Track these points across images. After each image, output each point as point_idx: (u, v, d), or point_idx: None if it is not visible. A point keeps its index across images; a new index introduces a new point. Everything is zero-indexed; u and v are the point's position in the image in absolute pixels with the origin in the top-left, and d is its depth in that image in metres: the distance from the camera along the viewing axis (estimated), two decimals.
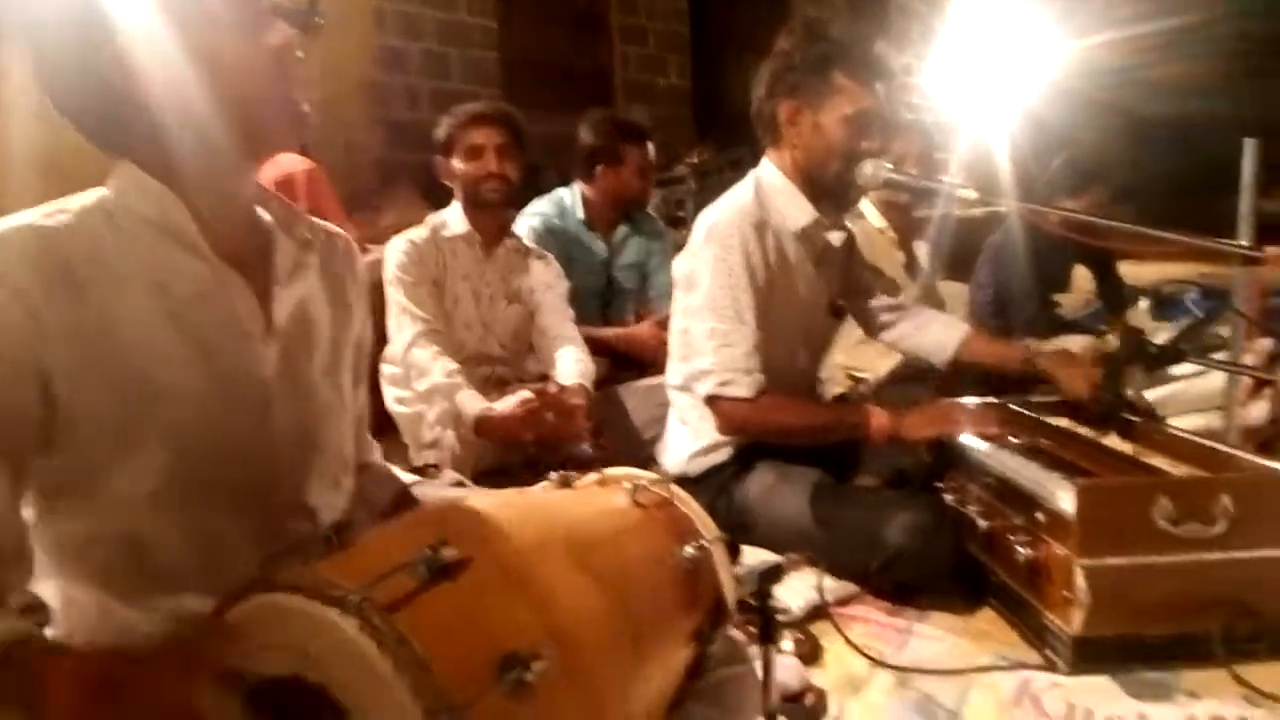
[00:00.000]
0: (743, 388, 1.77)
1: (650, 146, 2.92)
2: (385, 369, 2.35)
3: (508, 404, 2.05)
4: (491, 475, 2.10)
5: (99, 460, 0.83)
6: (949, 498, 1.77)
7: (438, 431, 2.17)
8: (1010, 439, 1.77)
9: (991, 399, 2.04)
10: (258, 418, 0.92)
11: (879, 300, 2.16)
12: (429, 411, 2.17)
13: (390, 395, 2.34)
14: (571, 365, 2.31)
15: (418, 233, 2.33)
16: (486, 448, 2.14)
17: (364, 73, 3.97)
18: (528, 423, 2.01)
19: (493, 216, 2.38)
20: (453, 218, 2.37)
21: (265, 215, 0.98)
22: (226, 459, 0.89)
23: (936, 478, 1.84)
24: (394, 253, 2.29)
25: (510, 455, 2.15)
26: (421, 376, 2.16)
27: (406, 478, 1.22)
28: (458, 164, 2.32)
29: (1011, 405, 2.01)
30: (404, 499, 1.16)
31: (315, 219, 1.07)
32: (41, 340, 0.79)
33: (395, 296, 2.25)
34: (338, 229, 1.10)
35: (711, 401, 1.82)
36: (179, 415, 0.86)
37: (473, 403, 2.07)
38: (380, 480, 1.18)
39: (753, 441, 1.89)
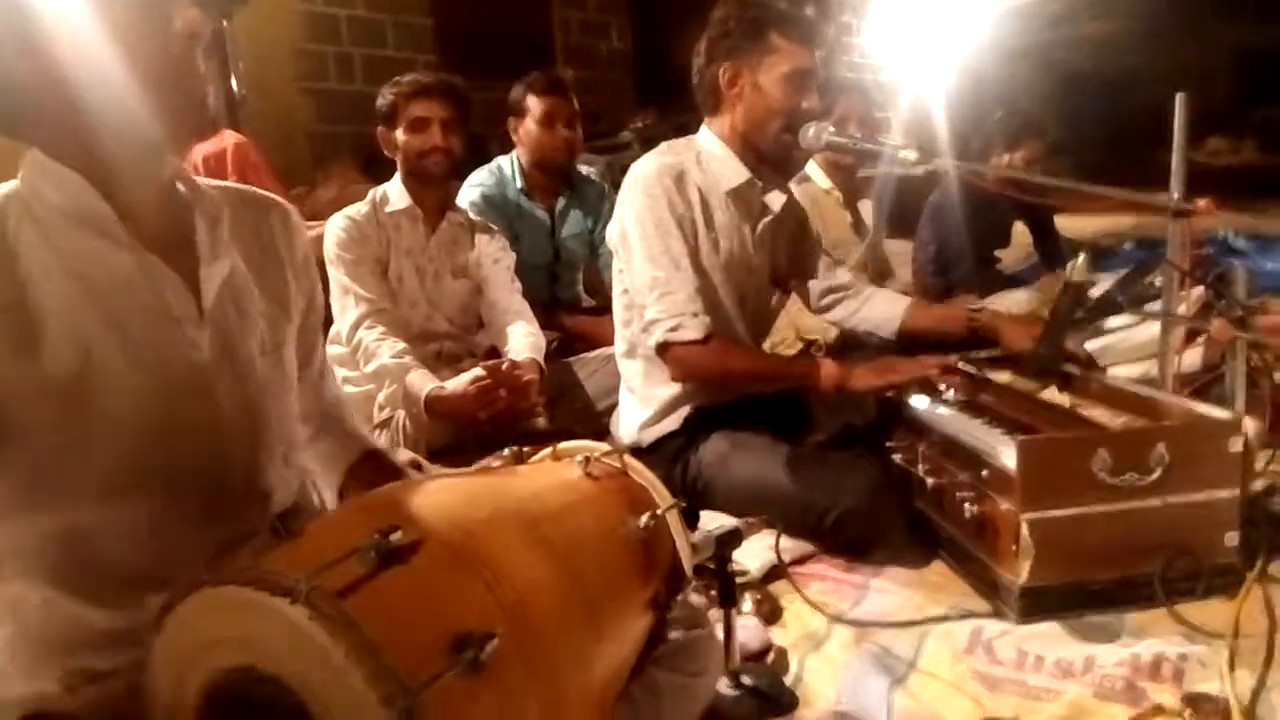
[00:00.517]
0: (692, 330, 1.77)
1: (562, 99, 2.76)
2: (330, 349, 2.30)
3: (459, 382, 2.03)
4: (445, 453, 2.08)
5: (39, 459, 0.81)
6: (897, 457, 1.80)
7: (387, 413, 2.14)
8: (955, 382, 1.82)
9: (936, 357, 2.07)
10: (200, 404, 0.90)
11: (822, 281, 2.17)
12: (379, 393, 2.14)
13: (338, 376, 2.30)
14: (522, 340, 2.28)
15: (358, 209, 2.27)
16: (438, 426, 2.12)
17: (293, 41, 3.85)
18: (480, 401, 2.00)
19: (435, 190, 2.34)
20: (394, 192, 2.31)
21: (184, 193, 0.95)
22: (172, 447, 0.87)
23: (885, 435, 1.86)
24: (333, 230, 2.23)
25: (463, 433, 2.13)
26: (370, 358, 2.12)
27: (370, 442, 1.19)
28: (400, 136, 2.27)
29: (957, 362, 2.05)
30: (366, 460, 1.14)
31: (243, 186, 1.04)
32: None
33: (337, 276, 2.19)
34: (267, 194, 1.07)
35: (663, 350, 1.81)
36: (116, 408, 0.83)
37: (423, 382, 2.05)
38: (341, 442, 1.16)
39: (703, 406, 1.89)
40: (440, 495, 0.78)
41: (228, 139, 2.69)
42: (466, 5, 4.55)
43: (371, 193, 2.33)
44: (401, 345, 2.13)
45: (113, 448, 0.83)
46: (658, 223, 1.80)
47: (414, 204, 2.30)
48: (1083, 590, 1.47)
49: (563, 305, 2.91)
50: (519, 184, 2.82)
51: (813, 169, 2.88)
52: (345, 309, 2.18)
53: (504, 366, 2.07)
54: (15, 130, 0.83)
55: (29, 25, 0.77)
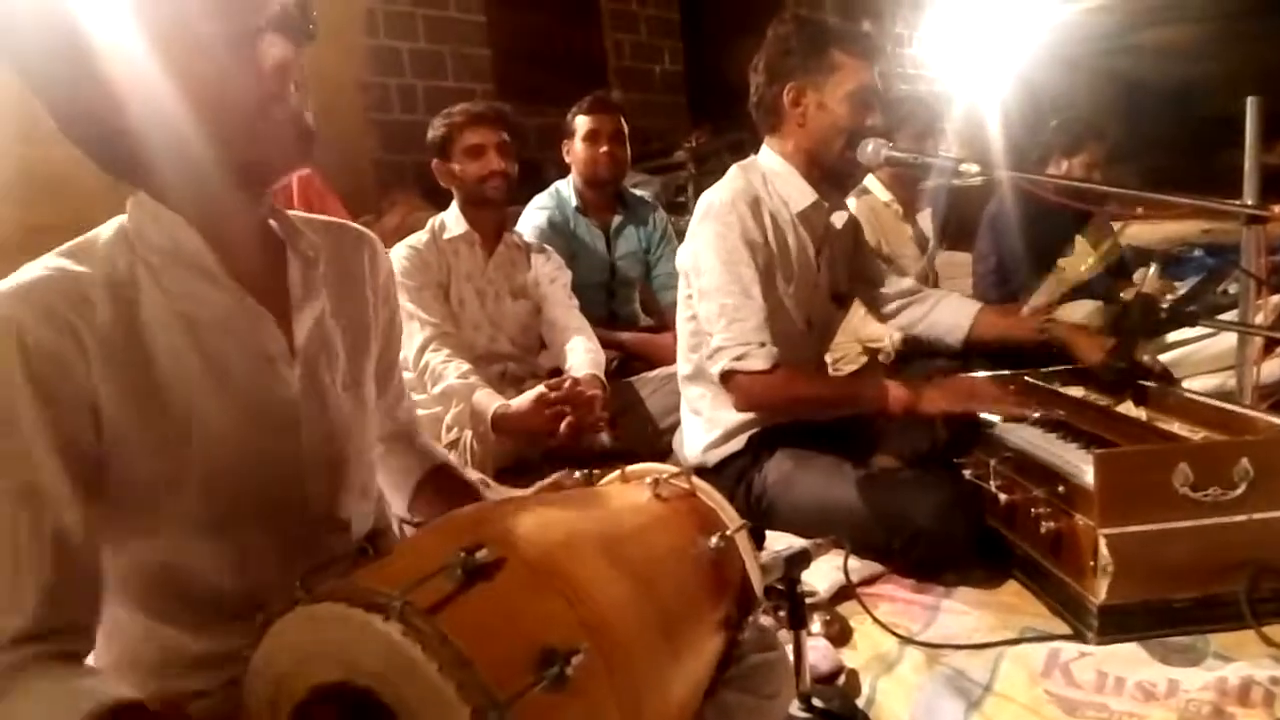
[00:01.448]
0: (758, 360, 1.76)
1: (605, 116, 2.83)
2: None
3: (524, 400, 2.07)
4: (511, 471, 2.12)
5: (138, 491, 0.83)
6: (968, 473, 1.77)
7: (455, 433, 2.18)
8: (1030, 414, 1.74)
9: (1005, 373, 2.04)
10: (287, 441, 0.92)
11: (888, 287, 2.16)
12: (446, 414, 2.18)
13: None
14: (582, 356, 2.32)
15: (418, 238, 2.35)
16: (505, 444, 2.15)
17: (357, 75, 3.97)
18: (546, 417, 2.03)
19: (492, 215, 2.40)
20: (451, 219, 2.39)
21: (275, 228, 0.97)
22: (260, 484, 0.89)
23: (955, 454, 1.83)
24: (396, 259, 2.29)
25: (529, 451, 2.16)
26: (436, 381, 2.17)
27: (439, 452, 1.23)
28: (457, 165, 2.33)
29: (1027, 378, 2.02)
30: (437, 473, 1.18)
31: (331, 218, 1.06)
32: (89, 373, 0.79)
33: (402, 303, 2.25)
34: (356, 226, 1.09)
35: (727, 379, 1.80)
36: (214, 449, 0.86)
37: (489, 401, 2.09)
38: (414, 455, 1.19)
39: (768, 427, 1.89)
40: (519, 515, 0.79)
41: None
42: (521, 34, 4.64)
43: (430, 221, 2.40)
44: (467, 366, 2.17)
45: (206, 482, 0.85)
46: (731, 249, 1.79)
47: (471, 229, 2.37)
48: (1165, 610, 1.43)
49: (620, 322, 2.94)
50: (574, 204, 2.88)
51: (871, 182, 2.87)
52: (411, 334, 2.23)
53: (566, 384, 2.10)
54: (119, 172, 0.85)
55: (125, 75, 0.78)
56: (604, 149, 2.80)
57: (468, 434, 2.16)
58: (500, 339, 2.42)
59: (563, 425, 2.02)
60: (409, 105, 4.12)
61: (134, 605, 0.88)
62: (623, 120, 2.87)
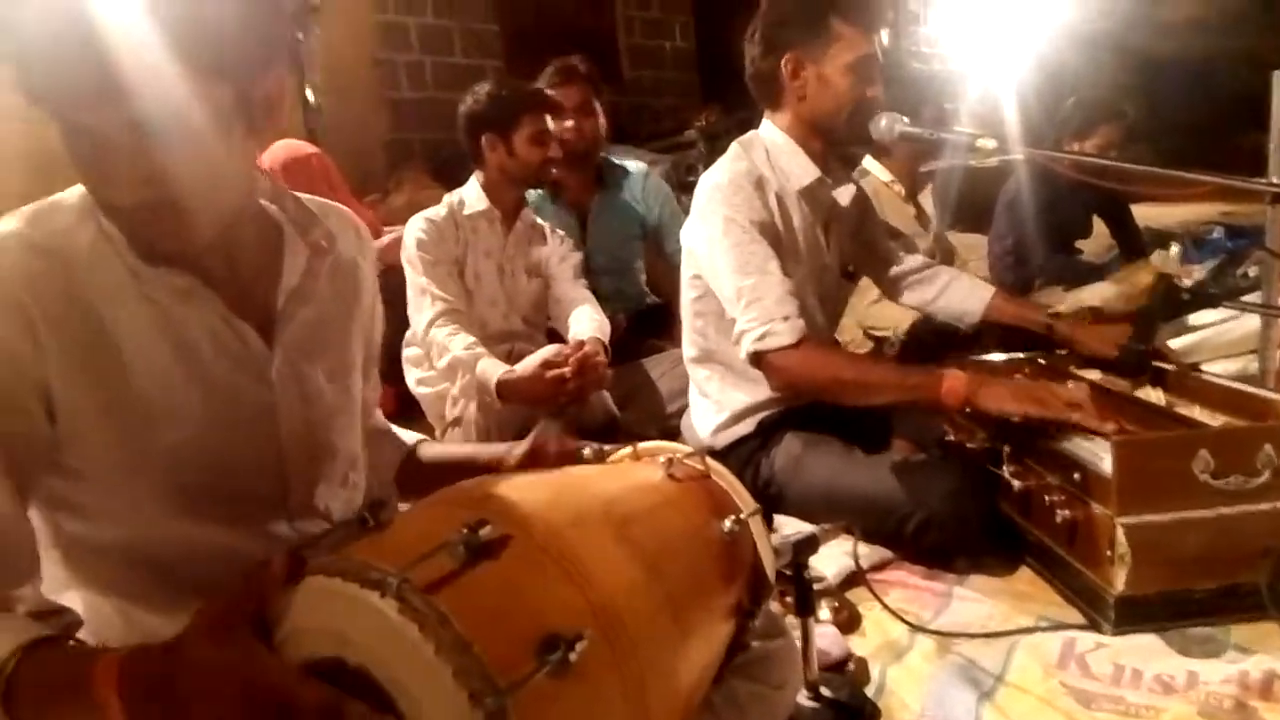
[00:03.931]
0: (784, 335, 1.67)
1: (568, 88, 2.63)
2: (407, 352, 2.35)
3: (528, 365, 2.08)
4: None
5: (100, 478, 0.82)
6: (979, 458, 1.73)
7: (460, 406, 2.18)
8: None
9: (1019, 355, 2.01)
10: (263, 430, 0.90)
11: (899, 264, 2.11)
12: (452, 387, 2.17)
13: (412, 377, 2.35)
14: (586, 322, 2.31)
15: (435, 211, 2.33)
16: (509, 414, 2.14)
17: (366, 51, 3.92)
18: (549, 382, 2.04)
19: (515, 194, 2.38)
20: (471, 196, 2.36)
21: (275, 212, 0.94)
22: (233, 473, 0.88)
23: (993, 459, 1.69)
24: (413, 231, 2.28)
25: (534, 419, 2.15)
26: (442, 353, 2.16)
27: (409, 436, 1.20)
28: (518, 147, 2.27)
29: (1040, 360, 1.98)
30: (411, 459, 1.16)
31: (323, 200, 1.03)
32: (41, 358, 0.77)
33: (414, 277, 2.24)
34: (347, 210, 1.07)
35: (757, 360, 1.71)
36: (179, 435, 0.84)
37: (494, 368, 2.09)
38: (386, 444, 1.17)
39: (777, 410, 1.85)
40: (528, 491, 0.76)
41: (307, 149, 2.75)
42: (530, 9, 4.58)
43: (447, 198, 2.37)
44: (472, 339, 2.16)
45: (174, 469, 0.84)
46: (741, 229, 1.73)
47: (492, 205, 2.34)
48: (1184, 600, 1.40)
49: (611, 307, 2.75)
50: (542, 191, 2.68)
51: (870, 162, 2.81)
52: (421, 309, 2.22)
53: (570, 347, 2.12)
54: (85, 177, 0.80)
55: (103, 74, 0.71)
56: (570, 122, 2.62)
57: (472, 408, 2.15)
58: (513, 316, 2.41)
59: (566, 388, 2.03)
60: (417, 82, 4.07)
61: (107, 587, 0.87)
62: (595, 90, 2.68)
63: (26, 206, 0.83)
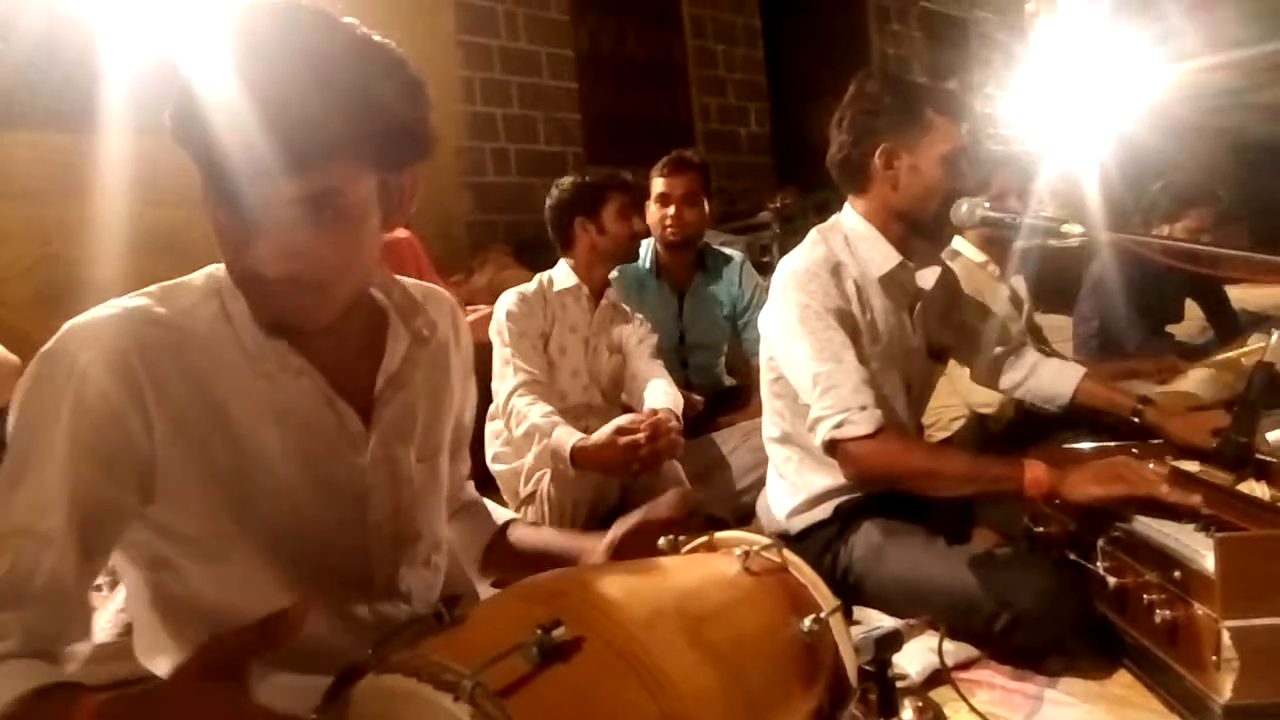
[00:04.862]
0: (861, 424, 1.64)
1: (678, 178, 2.84)
2: (490, 425, 2.41)
3: (602, 432, 2.11)
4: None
5: (202, 544, 0.85)
6: (1071, 553, 1.66)
7: (535, 481, 2.22)
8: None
9: (1110, 444, 1.93)
10: (353, 510, 0.92)
11: (990, 348, 2.07)
12: (528, 455, 2.21)
13: (490, 451, 2.39)
14: (660, 395, 2.34)
15: (527, 287, 2.43)
16: (583, 493, 2.17)
17: (455, 140, 4.11)
18: (621, 448, 2.06)
19: (601, 274, 2.47)
20: (560, 275, 2.45)
21: (381, 299, 0.98)
22: (322, 550, 0.90)
23: (1074, 545, 1.63)
24: (504, 304, 2.37)
25: (607, 486, 2.18)
26: (520, 422, 2.21)
27: (500, 514, 1.22)
28: (608, 225, 2.40)
29: (1134, 449, 1.90)
30: (500, 539, 1.17)
31: (422, 283, 1.07)
32: (146, 426, 0.81)
33: (500, 348, 2.32)
34: (445, 293, 1.11)
35: (832, 449, 1.69)
36: (277, 509, 0.86)
37: (569, 436, 2.12)
38: (478, 520, 1.18)
39: (856, 496, 1.81)
40: (599, 587, 0.76)
41: (400, 233, 2.88)
42: (611, 98, 4.76)
43: (538, 277, 2.47)
44: (550, 409, 2.21)
45: (269, 542, 0.86)
46: (817, 315, 1.72)
47: (580, 283, 2.43)
48: None
49: (694, 388, 2.87)
50: (648, 265, 2.90)
51: (961, 243, 2.78)
52: (504, 378, 2.28)
53: (644, 415, 2.15)
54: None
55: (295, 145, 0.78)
56: (672, 210, 2.81)
57: (545, 483, 2.18)
58: (593, 389, 2.46)
59: (639, 455, 2.04)
60: (502, 168, 4.24)
61: (179, 653, 0.89)
62: (702, 180, 2.88)
63: (157, 284, 0.88)
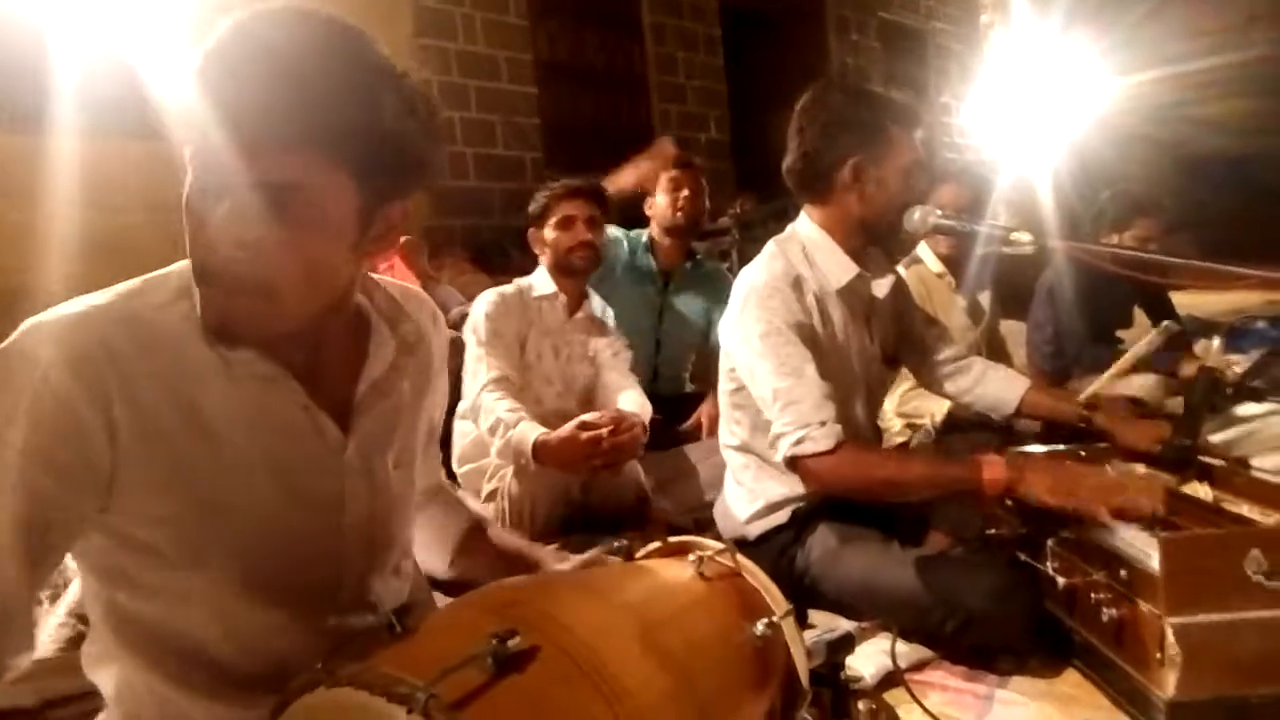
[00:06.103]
0: (820, 441, 1.65)
1: (684, 172, 3.06)
2: (459, 425, 2.39)
3: (565, 428, 2.10)
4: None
5: (165, 554, 0.82)
6: (1022, 554, 1.69)
7: (498, 478, 2.21)
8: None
9: (1060, 447, 1.97)
10: (327, 519, 0.91)
11: (936, 354, 2.10)
12: (491, 448, 2.20)
13: (456, 450, 2.38)
14: (630, 404, 2.35)
15: (506, 289, 2.44)
16: (544, 490, 2.17)
17: None
18: (583, 443, 2.06)
19: (576, 283, 2.48)
20: (539, 280, 2.46)
21: (364, 304, 0.96)
22: (293, 561, 0.88)
23: (1026, 546, 1.66)
24: (482, 302, 2.38)
25: (568, 482, 2.18)
26: (487, 415, 2.20)
27: (472, 506, 1.22)
28: (549, 233, 2.43)
29: (1082, 453, 1.94)
30: (475, 531, 1.16)
31: (403, 284, 1.05)
32: (110, 433, 0.78)
33: (473, 346, 2.31)
34: (423, 294, 1.09)
35: (793, 464, 1.70)
36: (248, 518, 0.84)
37: (531, 430, 2.12)
38: (451, 512, 1.17)
39: (813, 501, 1.83)
40: (554, 596, 0.76)
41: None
42: (570, 103, 4.75)
43: (517, 281, 2.49)
44: (518, 405, 2.20)
45: (239, 551, 0.84)
46: (777, 331, 1.73)
47: (558, 290, 2.45)
48: (1241, 707, 1.32)
49: (662, 385, 2.97)
50: (645, 241, 3.05)
51: (924, 251, 2.84)
52: (476, 375, 2.27)
53: (608, 414, 2.15)
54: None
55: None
56: (685, 193, 3.00)
57: (508, 482, 2.17)
58: (568, 396, 2.46)
59: (601, 451, 2.05)
60: (459, 172, 4.22)
61: (150, 664, 0.86)
62: (703, 180, 3.10)
63: (133, 280, 0.85)
